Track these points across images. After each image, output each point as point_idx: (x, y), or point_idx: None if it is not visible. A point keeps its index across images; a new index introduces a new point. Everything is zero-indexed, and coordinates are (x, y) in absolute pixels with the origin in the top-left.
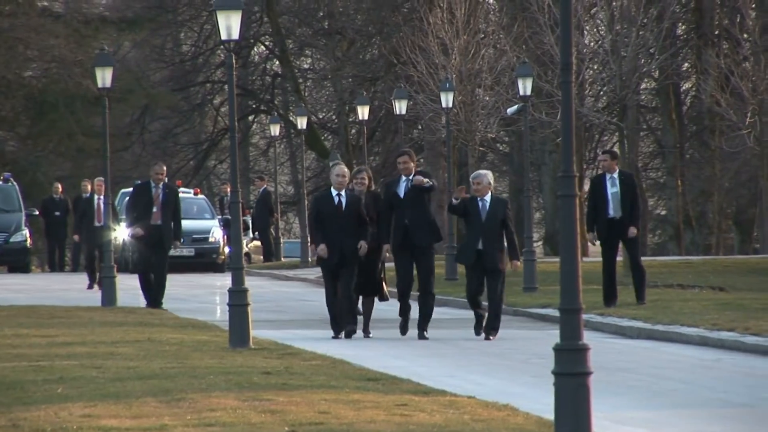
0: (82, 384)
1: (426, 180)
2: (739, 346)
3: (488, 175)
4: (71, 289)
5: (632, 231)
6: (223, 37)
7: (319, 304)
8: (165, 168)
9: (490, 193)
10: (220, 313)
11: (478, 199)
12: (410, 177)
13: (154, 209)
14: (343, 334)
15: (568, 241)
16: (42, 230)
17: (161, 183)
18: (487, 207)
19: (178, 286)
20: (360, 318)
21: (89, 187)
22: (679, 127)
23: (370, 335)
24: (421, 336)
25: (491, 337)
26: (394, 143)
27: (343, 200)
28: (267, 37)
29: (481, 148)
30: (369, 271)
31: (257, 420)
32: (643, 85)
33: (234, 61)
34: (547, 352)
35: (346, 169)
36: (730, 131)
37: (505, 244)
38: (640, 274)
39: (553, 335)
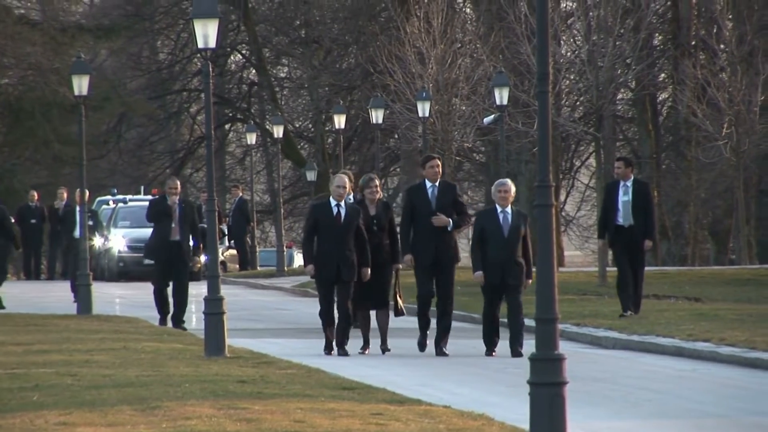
0: (57, 392)
1: (449, 221)
2: (714, 356)
3: (511, 183)
4: (47, 297)
5: (647, 244)
6: (200, 45)
7: (294, 313)
8: (178, 183)
9: (510, 205)
10: (195, 322)
11: (499, 210)
12: (436, 183)
13: (173, 225)
14: (336, 351)
15: (545, 250)
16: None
17: (176, 197)
18: (509, 220)
19: (153, 295)
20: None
21: (65, 195)
22: (656, 137)
23: (389, 350)
24: (440, 352)
25: (522, 355)
26: (370, 152)
27: (342, 211)
28: (244, 45)
29: (457, 158)
30: (380, 283)
31: (232, 428)
32: (620, 96)
33: (210, 69)
34: (522, 362)
35: (346, 180)
36: (706, 142)
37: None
38: (640, 284)
39: (528, 345)
